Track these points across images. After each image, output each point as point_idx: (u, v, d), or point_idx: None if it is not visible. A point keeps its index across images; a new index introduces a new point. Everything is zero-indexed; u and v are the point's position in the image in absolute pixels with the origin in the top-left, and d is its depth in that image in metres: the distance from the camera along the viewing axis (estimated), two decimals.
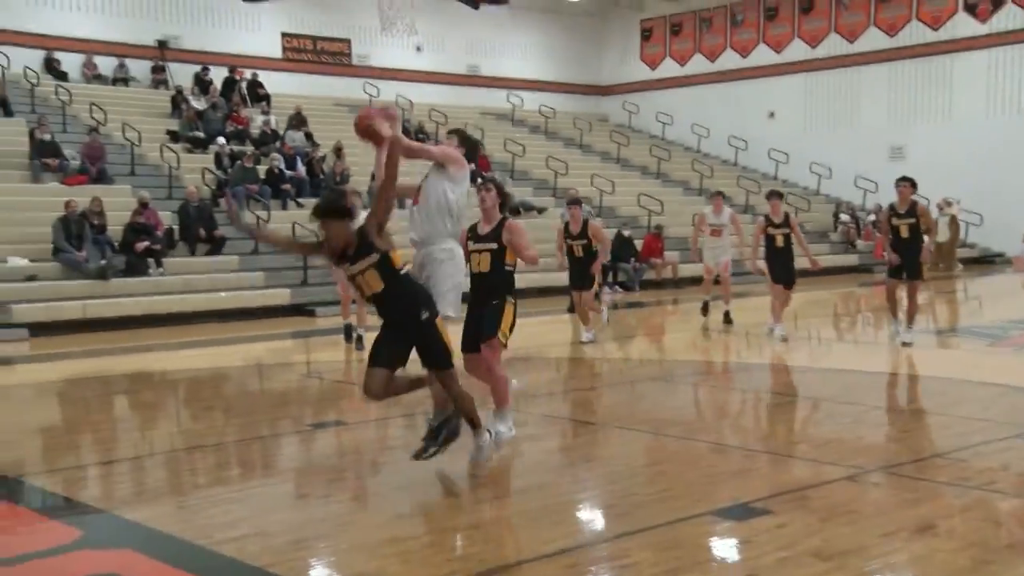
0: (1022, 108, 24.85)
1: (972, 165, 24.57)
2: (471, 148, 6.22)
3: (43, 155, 17.26)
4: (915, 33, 26.64)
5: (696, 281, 19.90)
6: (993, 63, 25.27)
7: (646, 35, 32.58)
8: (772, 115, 29.47)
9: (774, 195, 12.04)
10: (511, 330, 6.06)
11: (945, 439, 6.73)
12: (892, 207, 11.12)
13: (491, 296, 6.08)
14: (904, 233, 10.86)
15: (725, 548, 4.73)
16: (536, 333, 12.40)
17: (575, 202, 11.75)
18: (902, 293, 11.17)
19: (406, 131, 23.70)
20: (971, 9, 25.63)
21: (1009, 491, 5.40)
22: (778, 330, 11.62)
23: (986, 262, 25.06)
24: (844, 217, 25.12)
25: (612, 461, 6.19)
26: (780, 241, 11.71)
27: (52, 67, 22.23)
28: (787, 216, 11.91)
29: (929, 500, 5.33)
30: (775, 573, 4.17)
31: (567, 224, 11.55)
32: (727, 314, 13.00)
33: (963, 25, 25.76)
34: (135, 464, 6.45)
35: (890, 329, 11.44)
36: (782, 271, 11.78)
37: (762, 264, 12.11)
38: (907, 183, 11.03)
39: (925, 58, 26.35)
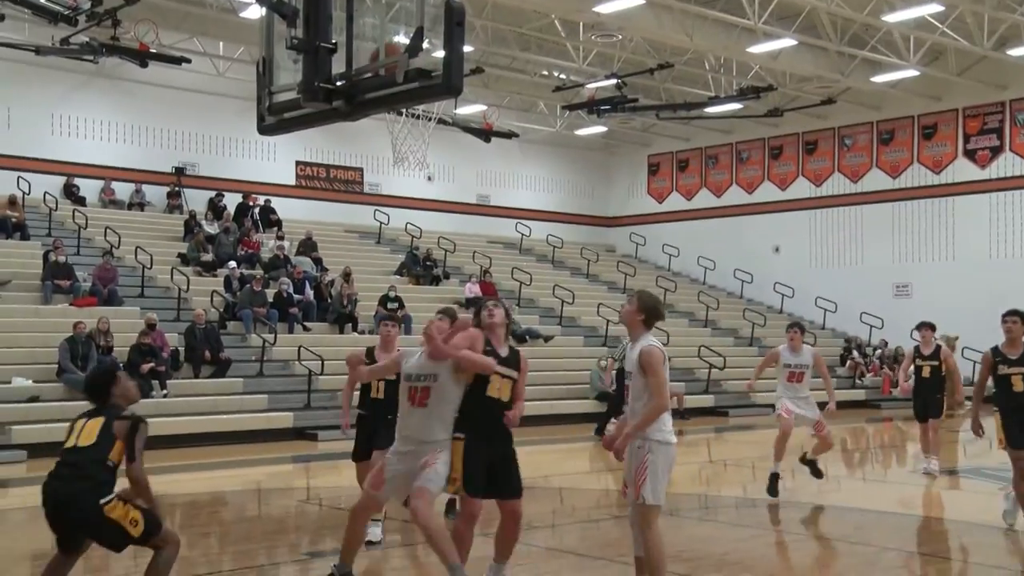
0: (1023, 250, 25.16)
1: (976, 304, 24.63)
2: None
3: (56, 277, 17.50)
4: (917, 176, 27.21)
5: (704, 412, 19.76)
6: (994, 206, 25.71)
7: (653, 170, 33.37)
8: (777, 250, 29.84)
9: (925, 326, 11.86)
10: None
11: None
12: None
13: (508, 436, 5.77)
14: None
15: None
16: (544, 462, 12.24)
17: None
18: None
19: (415, 258, 24.06)
20: (971, 155, 26.26)
21: None
22: (931, 466, 11.58)
23: (993, 401, 24.86)
24: (855, 355, 25.11)
25: None
26: (927, 372, 11.65)
27: (71, 192, 22.78)
28: (938, 348, 11.79)
29: None
30: None
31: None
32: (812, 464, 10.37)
33: (963, 170, 26.32)
34: None
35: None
36: (922, 407, 11.69)
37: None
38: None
39: (927, 199, 26.84)
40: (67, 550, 5.29)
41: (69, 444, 5.30)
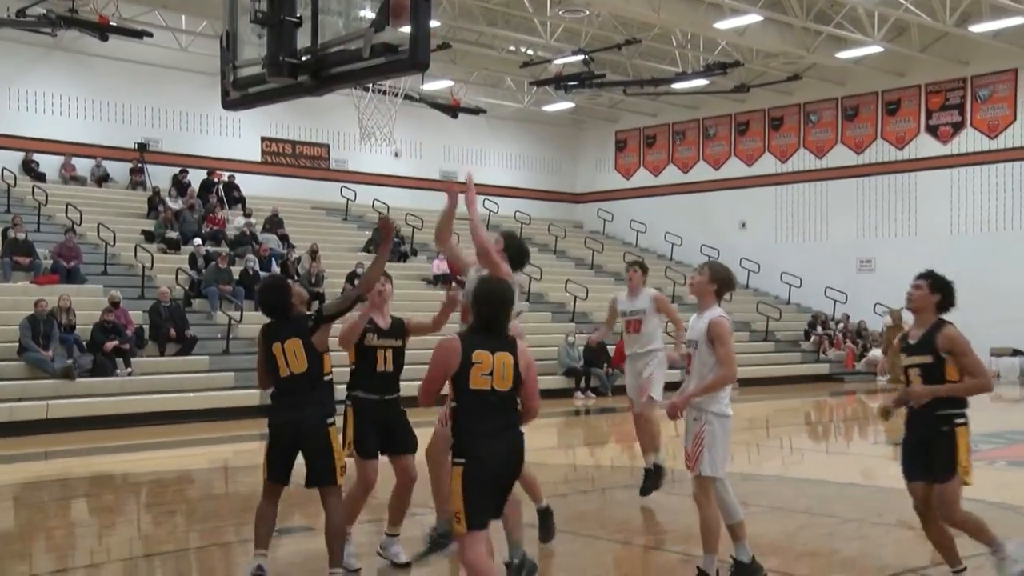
0: (984, 226, 25.54)
1: None
2: (517, 254, 6.23)
3: (15, 254, 17.23)
4: (881, 151, 27.50)
5: (670, 387, 19.93)
6: (955, 182, 26.06)
7: (620, 146, 33.41)
8: (744, 225, 30.05)
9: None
10: None
11: (919, 554, 6.69)
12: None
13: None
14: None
15: None
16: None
17: None
18: None
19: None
20: (933, 131, 26.56)
21: None
22: None
23: None
24: (819, 329, 25.42)
25: (582, 572, 6.09)
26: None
27: (30, 168, 22.38)
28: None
29: None
30: None
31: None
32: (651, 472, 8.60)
33: (926, 145, 26.64)
34: (90, 572, 6.26)
35: None
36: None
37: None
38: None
39: (891, 175, 27.16)
40: (278, 479, 5.51)
41: (283, 373, 5.43)
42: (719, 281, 5.58)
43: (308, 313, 5.60)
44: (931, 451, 5.26)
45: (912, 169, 26.79)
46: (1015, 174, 25.08)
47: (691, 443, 5.46)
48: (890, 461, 11.53)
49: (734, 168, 30.44)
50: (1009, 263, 24.40)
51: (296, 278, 19.74)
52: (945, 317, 5.46)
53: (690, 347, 5.56)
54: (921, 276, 5.60)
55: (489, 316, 4.58)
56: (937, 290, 5.51)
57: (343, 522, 5.50)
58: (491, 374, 4.50)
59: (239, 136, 26.10)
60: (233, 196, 23.96)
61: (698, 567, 5.44)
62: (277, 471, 5.48)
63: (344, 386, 5.87)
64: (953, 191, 26.08)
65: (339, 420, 5.66)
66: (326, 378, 5.50)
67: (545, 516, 6.33)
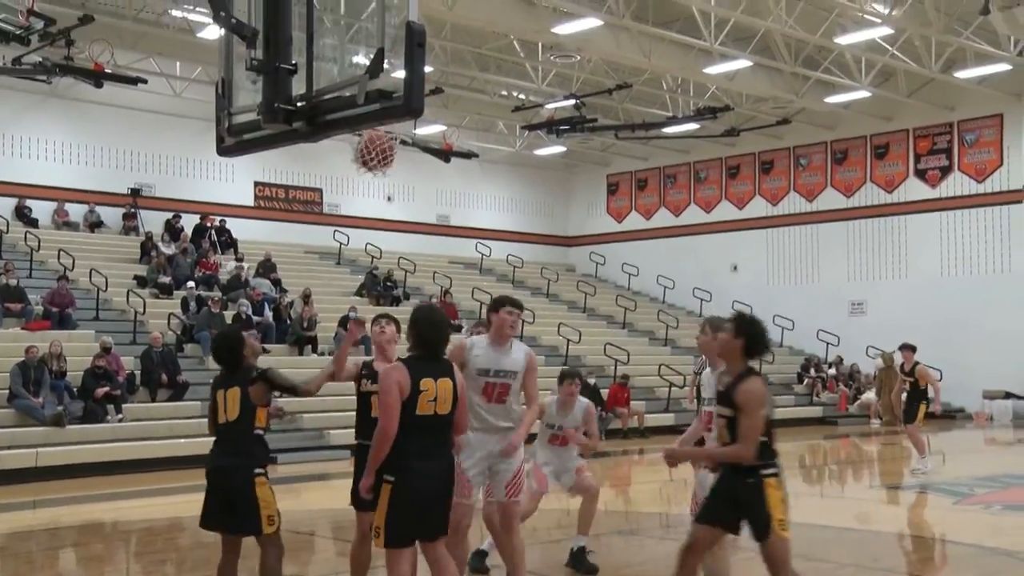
0: (973, 269, 25.67)
1: (930, 321, 25.06)
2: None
3: (6, 300, 17.16)
4: (870, 195, 27.69)
5: (664, 431, 19.80)
6: (944, 225, 26.23)
7: (612, 189, 33.60)
8: (735, 268, 30.15)
9: (906, 348, 14.06)
10: None
11: None
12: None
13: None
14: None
15: None
16: None
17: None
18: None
19: (375, 279, 23.95)
20: (921, 175, 26.80)
21: None
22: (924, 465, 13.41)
23: (947, 417, 25.26)
24: (812, 372, 25.41)
25: None
26: (907, 385, 13.81)
27: (23, 214, 22.39)
28: (916, 365, 13.83)
29: None
30: None
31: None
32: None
33: (914, 189, 26.85)
34: None
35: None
36: (903, 414, 13.99)
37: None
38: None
39: (880, 218, 27.33)
40: (208, 525, 5.55)
41: (221, 420, 5.47)
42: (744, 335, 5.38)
43: (255, 367, 5.59)
44: (741, 505, 4.88)
45: (901, 212, 26.97)
46: (1003, 217, 25.27)
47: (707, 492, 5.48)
48: (886, 505, 11.48)
49: (725, 211, 30.61)
50: (999, 305, 24.48)
51: (289, 322, 19.71)
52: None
53: (710, 404, 5.59)
54: (729, 320, 5.10)
55: (433, 342, 4.92)
56: (741, 334, 4.95)
57: (276, 566, 5.42)
58: (435, 400, 4.83)
59: (232, 181, 26.19)
60: (225, 240, 23.97)
61: None
62: (207, 518, 5.45)
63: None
64: (943, 234, 26.25)
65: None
66: (257, 431, 5.45)
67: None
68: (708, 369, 5.68)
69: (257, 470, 5.35)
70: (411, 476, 4.76)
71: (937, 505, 11.10)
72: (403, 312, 22.87)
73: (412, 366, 4.86)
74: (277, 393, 5.66)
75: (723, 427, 4.94)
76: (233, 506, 5.30)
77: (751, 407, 4.80)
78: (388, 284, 23.97)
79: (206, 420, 5.76)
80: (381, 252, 26.17)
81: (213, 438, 5.61)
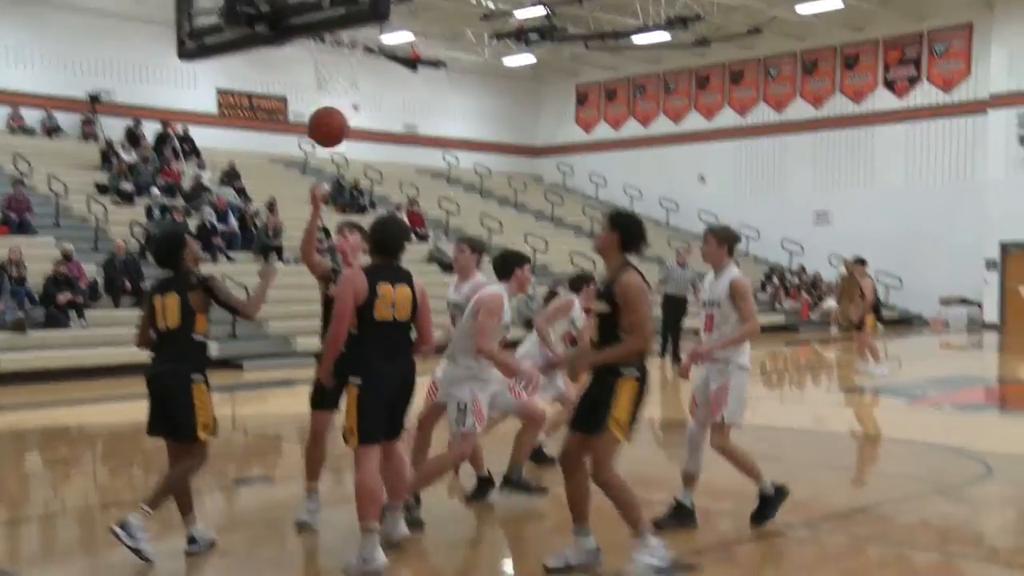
0: (937, 179, 25.84)
1: (893, 231, 25.43)
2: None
3: None
4: (838, 105, 27.63)
5: None
6: (910, 136, 26.32)
7: (581, 99, 33.23)
8: (703, 179, 30.14)
9: (858, 262, 14.65)
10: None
11: (867, 495, 6.84)
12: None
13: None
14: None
15: None
16: None
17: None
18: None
19: (341, 188, 23.69)
20: (890, 85, 26.73)
21: (928, 547, 5.48)
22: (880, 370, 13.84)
23: (905, 323, 25.77)
24: (775, 280, 25.71)
25: (541, 519, 6.14)
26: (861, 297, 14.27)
27: None
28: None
29: (851, 556, 5.39)
30: None
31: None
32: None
33: (882, 100, 26.82)
34: (45, 522, 6.19)
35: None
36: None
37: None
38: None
39: (848, 129, 27.34)
40: (152, 432, 5.39)
41: (160, 326, 5.29)
42: (728, 241, 5.87)
43: (195, 273, 5.38)
44: (592, 402, 4.84)
45: (869, 123, 26.98)
46: (967, 128, 25.36)
47: (715, 391, 5.72)
48: (843, 408, 11.76)
49: (694, 122, 30.45)
50: (960, 216, 24.80)
51: (254, 231, 19.51)
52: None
53: (711, 307, 5.81)
54: (607, 216, 5.02)
55: (391, 249, 5.08)
56: (616, 229, 4.89)
57: (184, 476, 5.30)
58: (393, 305, 4.98)
59: (194, 87, 25.56)
60: (188, 149, 23.52)
61: (760, 493, 5.76)
62: (151, 425, 5.35)
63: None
64: (908, 145, 26.35)
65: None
66: (197, 338, 5.30)
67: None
68: (711, 274, 5.89)
69: (195, 375, 5.23)
70: (375, 378, 4.92)
71: (891, 407, 11.38)
72: (369, 222, 22.80)
73: (370, 272, 5.01)
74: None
75: (595, 326, 4.86)
76: (170, 411, 5.22)
77: (632, 299, 4.74)
78: (355, 193, 23.74)
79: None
80: (347, 161, 25.83)
81: (144, 348, 5.45)
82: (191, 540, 5.28)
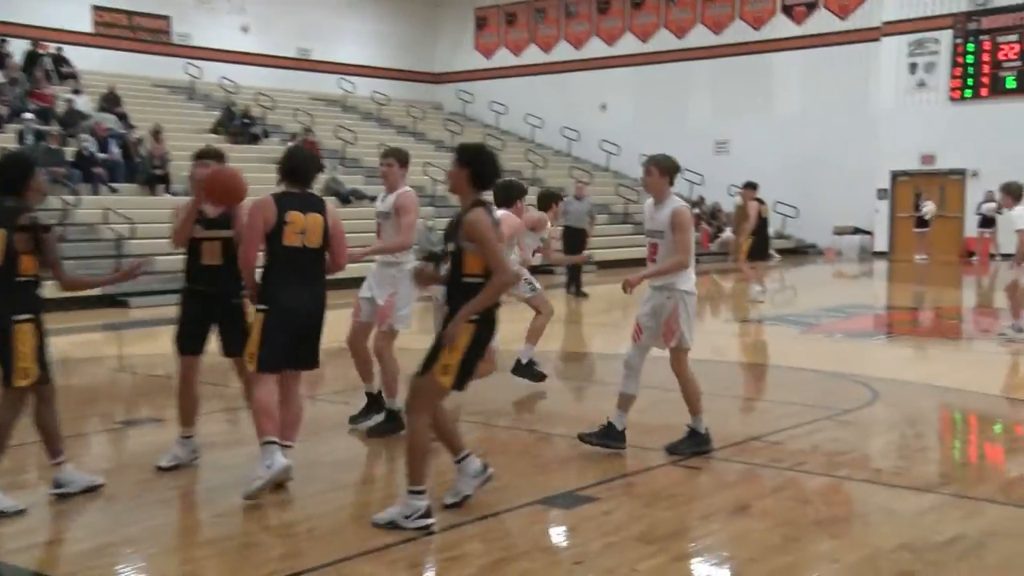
0: (832, 108, 26.50)
1: (789, 160, 26.07)
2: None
3: None
4: (738, 32, 27.96)
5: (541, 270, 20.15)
6: (808, 64, 26.85)
7: (481, 24, 32.76)
8: (604, 107, 30.24)
9: (748, 186, 15.01)
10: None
11: (761, 423, 7.09)
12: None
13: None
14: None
15: (553, 536, 4.80)
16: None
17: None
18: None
19: (232, 116, 22.93)
20: (788, 11, 27.16)
21: (817, 470, 5.73)
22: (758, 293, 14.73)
23: (801, 253, 26.63)
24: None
25: (440, 452, 6.17)
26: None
27: None
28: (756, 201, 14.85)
29: (745, 482, 5.59)
30: (601, 559, 4.26)
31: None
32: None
33: (781, 27, 27.26)
34: None
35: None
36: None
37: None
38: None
39: (747, 56, 27.72)
40: None
41: None
42: (669, 172, 6.00)
43: (30, 209, 4.98)
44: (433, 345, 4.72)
45: (767, 50, 27.40)
46: (862, 55, 25.98)
47: (665, 320, 5.92)
48: (739, 338, 12.11)
49: (595, 48, 30.40)
50: (854, 145, 25.54)
51: (138, 160, 18.77)
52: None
53: (654, 237, 5.95)
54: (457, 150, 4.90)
55: (302, 177, 5.17)
56: (465, 164, 4.70)
57: (8, 422, 5.06)
58: (303, 232, 5.05)
59: (66, 2, 24.20)
60: (62, 71, 22.34)
61: (688, 425, 6.02)
62: None
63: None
64: (805, 73, 26.89)
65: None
66: (23, 279, 4.91)
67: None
68: (650, 201, 6.07)
69: (17, 316, 4.89)
70: (281, 305, 5.03)
71: (784, 335, 11.78)
72: (261, 151, 22.13)
73: (280, 200, 5.09)
74: None
75: (449, 263, 4.70)
76: None
77: (480, 237, 4.53)
78: (246, 121, 23.04)
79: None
80: (238, 87, 25.00)
81: None
82: (56, 484, 5.13)
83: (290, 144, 5.49)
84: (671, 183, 6.01)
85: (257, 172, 21.19)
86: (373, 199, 22.83)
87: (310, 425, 6.04)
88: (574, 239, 15.93)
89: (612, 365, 9.46)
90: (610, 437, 5.99)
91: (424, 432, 4.68)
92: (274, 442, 5.02)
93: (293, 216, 5.03)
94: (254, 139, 22.59)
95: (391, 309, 6.40)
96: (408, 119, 28.49)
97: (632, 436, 6.09)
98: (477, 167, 4.70)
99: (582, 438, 5.99)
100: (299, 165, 5.21)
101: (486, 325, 4.69)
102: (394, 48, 32.09)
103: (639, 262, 13.45)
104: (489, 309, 4.68)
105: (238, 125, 22.68)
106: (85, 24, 24.78)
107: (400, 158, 6.57)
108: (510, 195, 7.30)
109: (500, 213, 6.08)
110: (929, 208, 24.16)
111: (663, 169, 5.98)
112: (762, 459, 5.97)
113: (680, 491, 5.37)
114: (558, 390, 8.63)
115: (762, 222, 14.92)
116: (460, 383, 4.69)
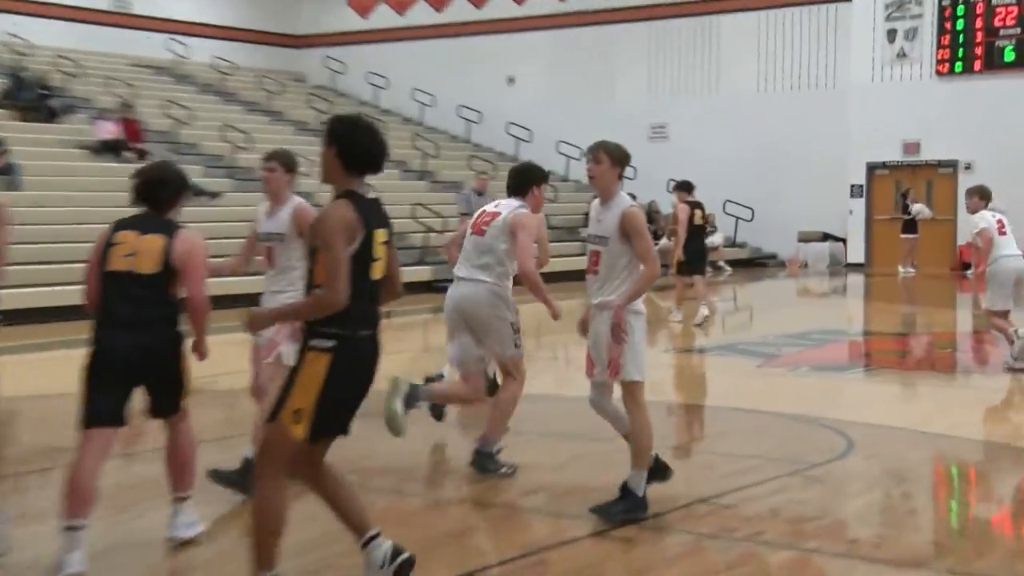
0: (795, 84, 27.11)
1: (743, 149, 26.46)
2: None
3: None
4: None
5: (419, 288, 20.00)
6: (763, 29, 27.39)
7: None
8: (512, 81, 30.38)
9: (681, 187, 15.60)
10: None
11: (709, 481, 7.12)
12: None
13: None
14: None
15: None
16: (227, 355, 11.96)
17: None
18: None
19: (22, 84, 22.33)
20: None
21: (780, 542, 5.77)
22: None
23: (758, 264, 27.12)
24: None
25: (307, 524, 6.02)
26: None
27: None
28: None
29: (690, 556, 5.60)
30: None
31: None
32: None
33: None
34: None
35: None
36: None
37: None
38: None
39: (690, 18, 28.16)
40: None
41: None
42: (622, 162, 6.10)
43: None
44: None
45: (714, 11, 27.88)
46: (829, 19, 26.68)
47: (608, 348, 5.94)
48: (680, 372, 12.21)
49: (501, 7, 30.48)
50: (821, 130, 26.00)
51: None
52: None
53: (597, 243, 6.01)
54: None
55: (148, 199, 5.37)
56: (332, 142, 4.56)
57: None
58: (134, 255, 5.18)
59: None
60: None
61: (625, 484, 5.92)
62: None
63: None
64: (761, 40, 27.42)
65: None
66: None
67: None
68: (596, 203, 6.11)
69: None
70: (103, 345, 5.16)
71: (737, 369, 11.94)
72: (62, 131, 21.62)
73: (119, 221, 5.38)
74: None
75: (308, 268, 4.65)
76: None
77: (326, 239, 4.40)
78: (42, 92, 22.56)
79: None
80: (31, 46, 24.45)
81: None
82: None
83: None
84: (621, 176, 6.09)
85: (57, 160, 20.76)
86: (215, 196, 22.40)
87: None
88: None
89: (525, 408, 9.44)
90: (657, 472, 6.16)
91: (273, 499, 4.51)
92: (75, 528, 5.03)
93: (124, 236, 5.27)
94: (52, 115, 22.06)
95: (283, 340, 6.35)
96: (261, 93, 28.23)
97: (544, 500, 6.05)
98: (347, 145, 4.51)
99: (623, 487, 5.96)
100: (146, 184, 5.43)
101: (348, 353, 4.45)
102: (242, 2, 31.75)
103: (557, 276, 13.48)
104: (356, 334, 4.49)
105: (31, 97, 22.14)
106: None
107: (285, 162, 6.60)
108: (526, 180, 7.17)
109: (513, 205, 6.85)
110: (920, 209, 24.63)
111: (615, 159, 6.07)
112: (711, 527, 5.99)
113: (607, 569, 5.35)
114: (447, 442, 8.54)
115: (695, 230, 15.07)
116: (317, 432, 4.49)
